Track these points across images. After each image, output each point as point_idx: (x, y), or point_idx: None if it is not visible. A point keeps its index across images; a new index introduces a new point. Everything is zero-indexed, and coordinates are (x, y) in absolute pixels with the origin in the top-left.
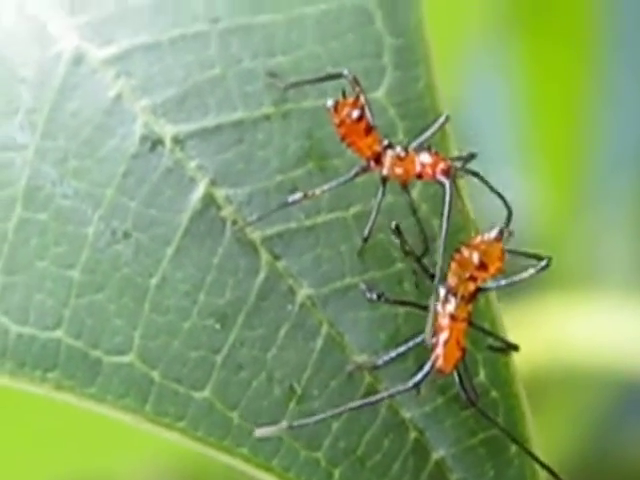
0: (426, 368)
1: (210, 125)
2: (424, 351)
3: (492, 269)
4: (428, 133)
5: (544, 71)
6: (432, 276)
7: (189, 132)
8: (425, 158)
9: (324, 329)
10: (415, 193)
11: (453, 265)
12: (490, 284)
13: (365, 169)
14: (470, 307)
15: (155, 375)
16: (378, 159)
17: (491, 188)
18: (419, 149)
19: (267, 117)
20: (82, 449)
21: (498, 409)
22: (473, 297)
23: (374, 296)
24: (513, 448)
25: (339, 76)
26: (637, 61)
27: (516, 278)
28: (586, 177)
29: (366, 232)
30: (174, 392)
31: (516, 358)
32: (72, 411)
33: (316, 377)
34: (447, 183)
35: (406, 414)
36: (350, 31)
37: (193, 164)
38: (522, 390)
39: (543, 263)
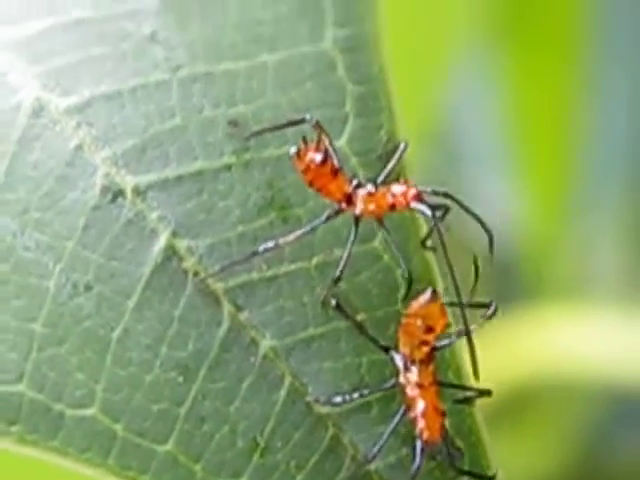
0: (418, 449)
1: (171, 176)
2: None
3: (439, 328)
4: (391, 164)
5: (531, 78)
6: (384, 348)
7: (150, 183)
8: (396, 189)
9: (287, 380)
10: (377, 243)
11: (401, 337)
12: (443, 342)
13: (337, 212)
14: (432, 368)
15: (118, 428)
16: (349, 200)
17: (467, 210)
18: (388, 182)
19: (228, 167)
20: None
21: (463, 458)
22: (432, 358)
23: (333, 302)
24: None
25: (302, 121)
26: (625, 67)
27: (468, 329)
28: (575, 185)
29: (337, 273)
30: (137, 445)
31: (505, 368)
32: None
33: (279, 429)
34: (427, 210)
35: (371, 466)
36: (311, 79)
37: (154, 215)
38: (487, 439)
39: (491, 309)
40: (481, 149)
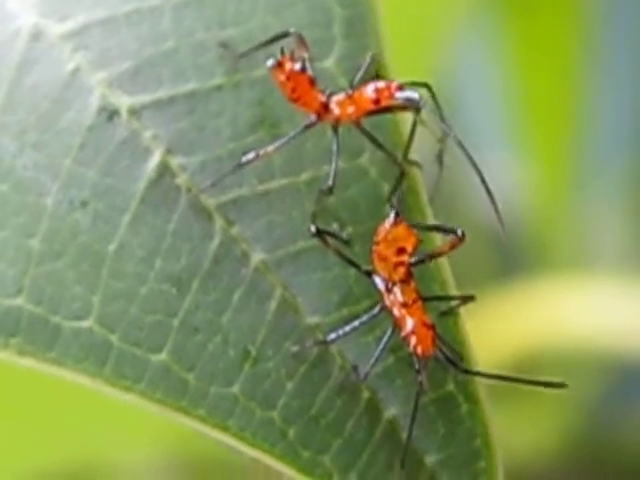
0: (416, 366)
1: (164, 96)
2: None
3: (410, 247)
4: (361, 71)
5: (536, 50)
6: (366, 273)
7: (144, 103)
8: (378, 84)
9: (277, 292)
10: (364, 159)
11: (376, 263)
12: (418, 257)
13: (315, 122)
14: (413, 285)
15: (113, 339)
16: (326, 107)
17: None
18: (364, 82)
19: (219, 87)
20: (77, 435)
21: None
22: (411, 276)
23: (312, 228)
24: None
25: (286, 35)
26: (630, 38)
27: (435, 252)
28: (580, 158)
29: (330, 182)
30: (132, 355)
31: (510, 341)
32: (67, 398)
33: (270, 338)
34: (413, 93)
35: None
36: (301, 2)
37: (148, 134)
38: (473, 349)
39: (459, 233)
40: (485, 122)
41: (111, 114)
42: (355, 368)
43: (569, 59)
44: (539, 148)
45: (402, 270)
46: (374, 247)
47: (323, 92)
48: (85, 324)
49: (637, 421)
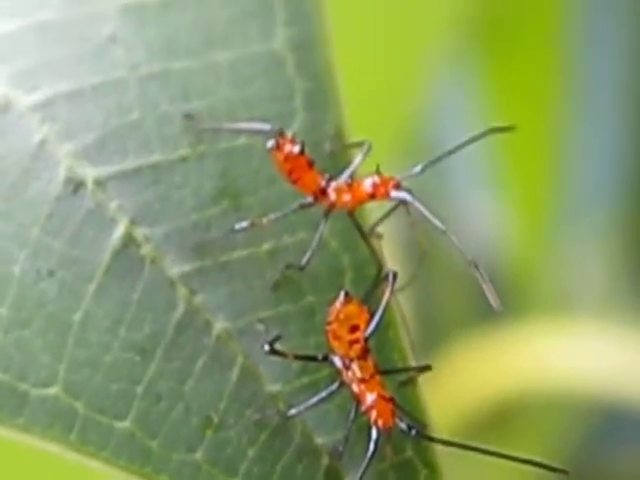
0: (374, 436)
1: (129, 167)
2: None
3: (362, 325)
4: (357, 161)
5: (515, 90)
6: (323, 358)
7: (110, 174)
8: (375, 180)
9: (239, 360)
10: (325, 230)
11: (331, 342)
12: (370, 329)
13: (311, 203)
14: (370, 359)
15: (79, 406)
16: (323, 192)
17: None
18: (364, 176)
19: (183, 159)
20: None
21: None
22: (367, 351)
23: (267, 347)
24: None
25: (263, 132)
26: (612, 78)
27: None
28: (560, 200)
29: (304, 261)
30: (97, 422)
31: (491, 385)
32: None
33: (232, 406)
34: (407, 195)
35: (319, 440)
36: (262, 75)
37: (114, 205)
38: (428, 413)
39: (390, 276)
40: (463, 163)
41: (77, 185)
42: (332, 453)
43: (549, 100)
44: (519, 189)
45: (357, 347)
46: (327, 327)
47: (322, 176)
48: (52, 391)
49: (619, 464)
